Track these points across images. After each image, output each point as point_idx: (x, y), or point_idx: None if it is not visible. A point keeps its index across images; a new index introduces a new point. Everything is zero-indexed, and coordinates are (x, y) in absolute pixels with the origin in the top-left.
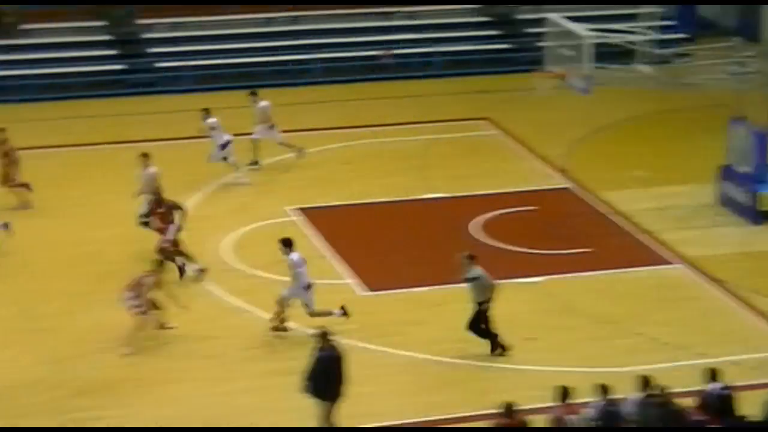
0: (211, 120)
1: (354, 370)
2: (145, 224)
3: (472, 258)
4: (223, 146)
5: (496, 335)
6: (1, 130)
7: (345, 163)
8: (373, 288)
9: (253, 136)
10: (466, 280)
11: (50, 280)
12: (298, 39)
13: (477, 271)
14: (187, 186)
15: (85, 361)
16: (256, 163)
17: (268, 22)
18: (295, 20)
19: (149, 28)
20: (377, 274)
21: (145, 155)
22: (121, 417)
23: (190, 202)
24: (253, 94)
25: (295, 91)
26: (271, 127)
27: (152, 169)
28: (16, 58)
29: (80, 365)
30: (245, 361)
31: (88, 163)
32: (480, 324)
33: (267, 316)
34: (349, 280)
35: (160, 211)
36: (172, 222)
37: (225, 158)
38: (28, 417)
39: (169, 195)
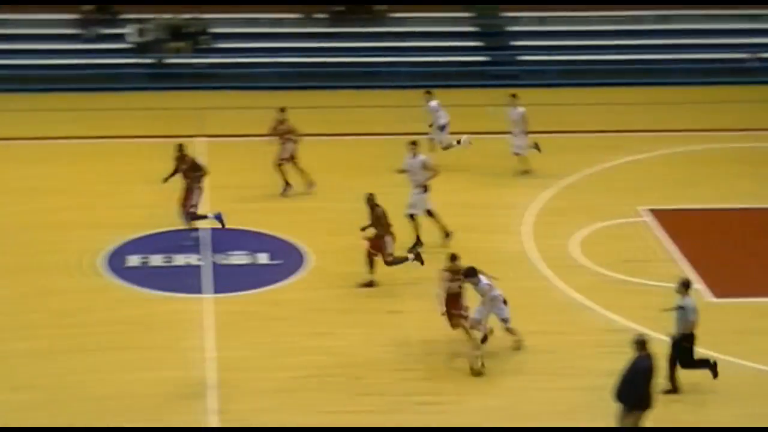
0: (433, 103)
1: (693, 377)
2: (411, 217)
3: (686, 285)
4: (442, 128)
5: (706, 362)
6: (280, 110)
7: (701, 165)
8: (718, 294)
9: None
10: (675, 308)
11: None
12: (664, 38)
13: (687, 300)
14: (539, 181)
15: (429, 347)
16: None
17: (636, 20)
18: (663, 19)
19: (515, 21)
20: (723, 281)
21: (414, 143)
22: (455, 404)
23: (543, 197)
24: (513, 96)
25: (657, 90)
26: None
27: (420, 158)
28: (384, 45)
29: (425, 350)
30: (581, 358)
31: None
32: (691, 357)
33: (608, 314)
34: (697, 285)
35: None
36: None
37: (455, 141)
38: (372, 396)
39: (519, 188)
